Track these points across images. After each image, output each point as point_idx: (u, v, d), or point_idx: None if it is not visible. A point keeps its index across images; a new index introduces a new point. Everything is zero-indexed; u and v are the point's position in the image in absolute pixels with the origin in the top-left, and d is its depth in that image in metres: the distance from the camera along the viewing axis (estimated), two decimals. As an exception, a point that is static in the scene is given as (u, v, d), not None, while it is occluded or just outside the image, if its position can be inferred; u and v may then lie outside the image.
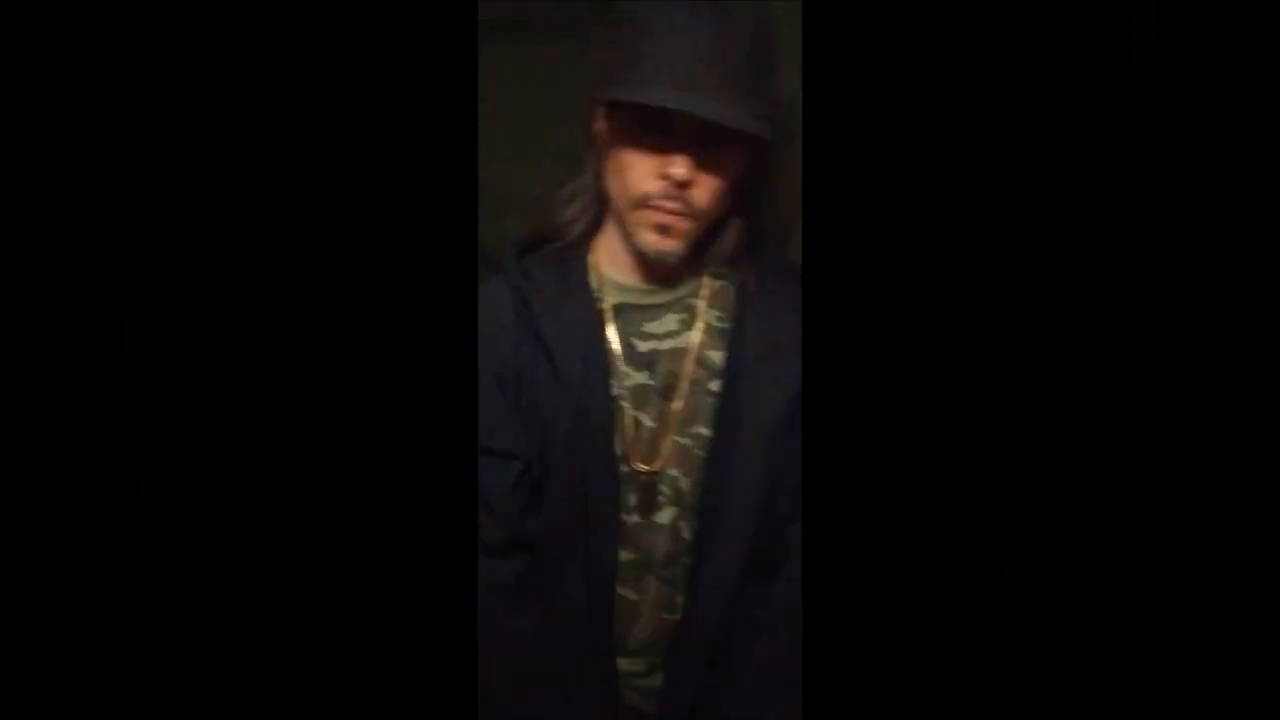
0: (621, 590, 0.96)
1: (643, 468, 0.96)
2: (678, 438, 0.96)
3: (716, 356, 0.98)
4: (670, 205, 0.91)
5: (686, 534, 0.96)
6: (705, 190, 0.92)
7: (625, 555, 0.96)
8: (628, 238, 0.96)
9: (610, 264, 1.00)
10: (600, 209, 0.99)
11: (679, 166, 0.89)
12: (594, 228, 1.01)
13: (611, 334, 0.98)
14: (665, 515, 0.96)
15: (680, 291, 1.00)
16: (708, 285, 1.00)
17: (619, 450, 0.95)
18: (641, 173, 0.91)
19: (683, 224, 0.92)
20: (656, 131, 0.90)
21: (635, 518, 0.96)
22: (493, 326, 0.98)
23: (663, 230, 0.92)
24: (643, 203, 0.92)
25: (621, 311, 0.99)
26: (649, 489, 0.96)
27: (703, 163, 0.90)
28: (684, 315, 0.99)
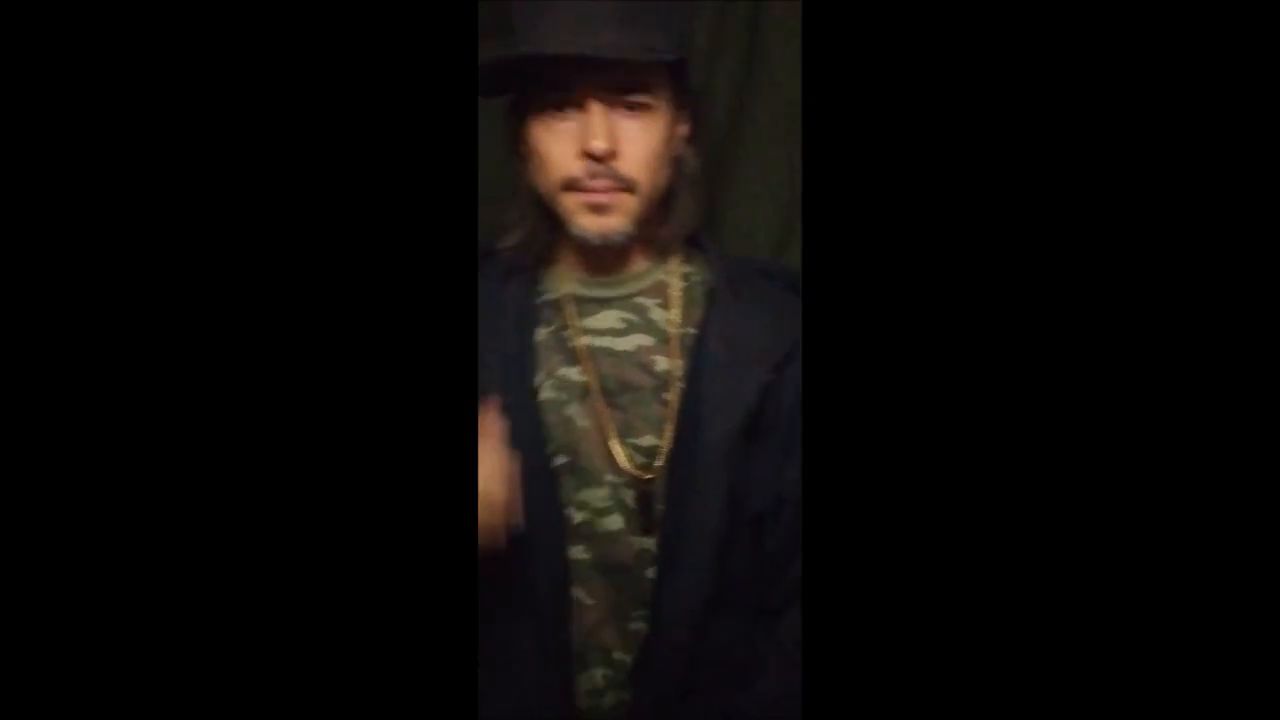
0: (576, 592, 0.92)
1: (641, 475, 0.91)
2: (623, 447, 0.92)
3: (668, 364, 0.94)
4: (599, 184, 0.88)
5: (650, 545, 0.92)
6: (632, 158, 0.88)
7: (578, 554, 0.92)
8: (567, 228, 0.91)
9: (565, 261, 0.97)
10: (541, 213, 0.94)
11: (596, 138, 0.86)
12: (549, 237, 0.95)
13: (541, 330, 0.95)
14: (614, 522, 0.92)
15: (627, 288, 0.96)
16: (666, 285, 0.96)
17: (555, 446, 0.92)
18: (561, 156, 0.88)
19: (618, 199, 0.88)
20: (560, 90, 0.86)
21: (603, 521, 0.92)
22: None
23: (597, 209, 0.88)
24: (570, 186, 0.88)
25: (560, 305, 0.95)
26: (643, 497, 0.92)
27: (621, 131, 0.87)
28: (629, 315, 0.95)
